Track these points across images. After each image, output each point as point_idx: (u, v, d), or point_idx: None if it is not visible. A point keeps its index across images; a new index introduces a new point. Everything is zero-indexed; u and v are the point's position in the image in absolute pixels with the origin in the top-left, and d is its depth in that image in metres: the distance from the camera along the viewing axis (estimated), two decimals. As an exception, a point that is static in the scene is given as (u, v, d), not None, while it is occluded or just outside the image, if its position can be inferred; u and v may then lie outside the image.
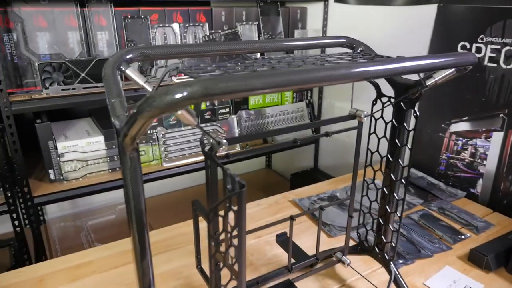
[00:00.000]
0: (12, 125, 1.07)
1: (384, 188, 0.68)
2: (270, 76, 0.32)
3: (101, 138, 1.27)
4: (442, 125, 1.20)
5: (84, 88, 1.15)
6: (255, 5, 1.48)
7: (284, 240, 0.67)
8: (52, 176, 1.22)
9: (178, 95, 0.30)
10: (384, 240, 0.69)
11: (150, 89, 0.48)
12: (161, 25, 1.30)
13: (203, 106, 1.44)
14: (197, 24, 1.36)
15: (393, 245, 0.67)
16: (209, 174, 0.47)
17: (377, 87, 0.63)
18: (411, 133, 0.61)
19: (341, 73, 0.37)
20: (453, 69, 0.51)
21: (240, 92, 0.31)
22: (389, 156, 0.65)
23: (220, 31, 1.41)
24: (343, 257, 0.69)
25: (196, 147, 1.42)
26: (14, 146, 1.09)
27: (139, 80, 0.48)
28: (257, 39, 1.49)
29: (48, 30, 1.14)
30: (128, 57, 0.48)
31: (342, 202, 1.06)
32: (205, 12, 1.38)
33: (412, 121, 0.61)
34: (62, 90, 1.12)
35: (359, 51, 0.64)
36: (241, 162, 1.97)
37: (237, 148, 1.50)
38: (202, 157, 1.51)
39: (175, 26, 1.32)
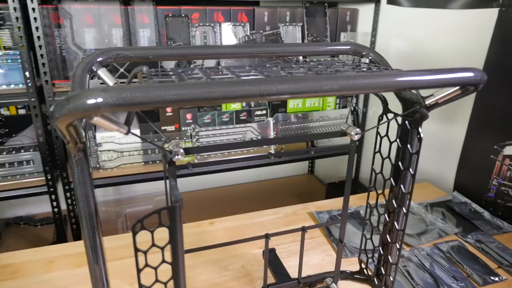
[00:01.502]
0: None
1: (386, 215, 0.61)
2: (186, 87, 0.29)
3: (137, 132, 1.32)
4: (495, 147, 1.06)
5: (121, 82, 1.20)
6: (301, 5, 1.43)
7: (270, 257, 0.63)
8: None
9: (78, 104, 0.29)
10: (383, 271, 0.62)
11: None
12: (201, 24, 1.31)
13: (239, 106, 1.43)
14: (238, 24, 1.35)
15: (391, 279, 0.60)
16: (166, 183, 0.46)
17: (384, 101, 0.56)
18: (416, 157, 0.54)
19: (289, 87, 0.33)
20: (457, 87, 0.43)
21: (146, 104, 0.29)
22: (391, 179, 0.58)
23: (261, 31, 1.39)
24: (332, 284, 0.63)
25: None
26: (56, 133, 1.17)
27: (109, 81, 0.48)
28: (300, 41, 1.44)
29: (94, 26, 1.21)
30: (101, 58, 0.48)
31: (361, 221, 0.98)
32: (247, 12, 1.36)
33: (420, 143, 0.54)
34: (101, 83, 1.18)
35: (367, 60, 0.58)
36: (281, 166, 1.94)
37: (272, 151, 1.47)
38: (234, 157, 1.51)
39: (225, 26, 1.33)
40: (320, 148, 1.54)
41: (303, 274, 0.68)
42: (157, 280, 0.39)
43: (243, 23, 1.36)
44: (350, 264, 0.81)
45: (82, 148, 0.39)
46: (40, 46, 1.07)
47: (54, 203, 1.26)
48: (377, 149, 0.59)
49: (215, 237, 0.93)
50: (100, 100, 0.29)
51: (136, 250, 0.36)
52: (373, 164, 0.62)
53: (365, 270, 0.67)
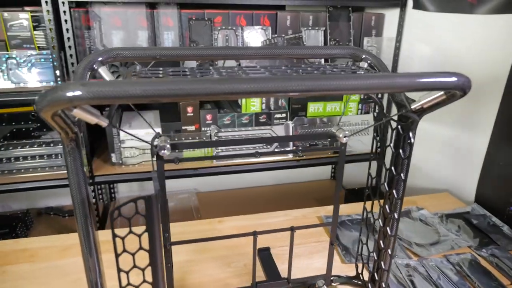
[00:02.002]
0: (81, 111, 1.22)
1: (380, 221, 0.60)
2: (155, 84, 0.31)
3: (158, 130, 1.37)
4: (519, 158, 1.01)
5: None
6: (324, 9, 1.43)
7: (264, 256, 0.64)
8: (113, 159, 1.36)
9: (53, 97, 0.31)
10: (376, 277, 0.61)
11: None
12: (223, 27, 1.34)
13: (258, 109, 1.45)
14: (260, 27, 1.37)
15: (383, 285, 0.59)
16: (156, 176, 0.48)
17: (379, 105, 0.56)
18: (407, 162, 0.53)
19: (251, 86, 0.34)
20: (441, 92, 0.43)
21: (114, 98, 0.31)
22: (385, 184, 0.58)
23: (283, 35, 1.40)
24: (324, 286, 0.63)
25: (247, 148, 1.43)
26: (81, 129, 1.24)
27: (107, 79, 0.51)
28: (321, 44, 1.44)
29: (121, 29, 1.27)
30: (102, 57, 0.51)
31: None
32: (269, 16, 1.38)
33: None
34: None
35: (366, 65, 0.58)
36: (303, 170, 1.93)
37: (290, 155, 1.47)
38: (253, 159, 1.53)
39: (247, 29, 1.35)
40: (352, 152, 1.51)
41: (304, 276, 0.68)
42: (134, 266, 0.41)
43: (265, 26, 1.38)
44: (353, 269, 0.80)
45: (74, 138, 0.42)
46: (69, 47, 1.14)
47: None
48: (377, 154, 0.59)
49: (221, 234, 0.95)
50: (74, 93, 0.32)
51: (114, 235, 0.39)
52: (369, 168, 0.61)
53: (361, 276, 0.66)
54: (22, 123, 1.25)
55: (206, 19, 1.32)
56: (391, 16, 1.45)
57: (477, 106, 1.12)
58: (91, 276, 0.47)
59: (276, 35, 1.39)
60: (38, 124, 1.26)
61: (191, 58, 0.55)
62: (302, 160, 1.49)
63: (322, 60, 1.43)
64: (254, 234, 0.56)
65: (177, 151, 0.50)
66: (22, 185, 1.25)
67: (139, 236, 0.40)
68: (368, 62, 0.59)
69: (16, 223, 1.46)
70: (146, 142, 0.46)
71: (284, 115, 1.47)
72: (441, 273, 0.82)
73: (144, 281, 0.42)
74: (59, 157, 1.28)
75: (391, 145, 0.55)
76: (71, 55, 1.15)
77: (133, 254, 0.41)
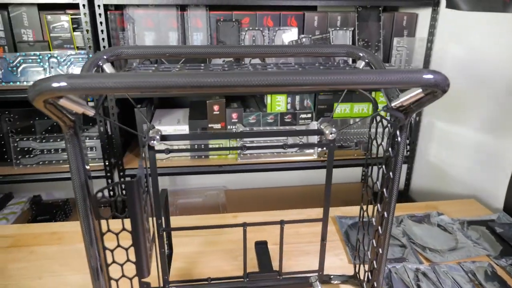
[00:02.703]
0: (113, 107, 1.30)
1: (374, 220, 0.60)
2: (130, 77, 0.35)
3: (186, 127, 1.42)
4: (552, 165, 0.94)
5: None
6: (353, 9, 1.41)
7: (260, 249, 0.65)
8: (143, 155, 1.43)
9: (40, 87, 0.35)
10: (370, 278, 0.61)
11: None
12: (250, 28, 1.37)
13: (283, 109, 1.46)
14: (286, 28, 1.38)
15: (375, 285, 0.59)
16: (146, 165, 0.51)
17: (373, 103, 0.56)
18: (394, 161, 0.53)
19: (215, 80, 0.36)
20: (419, 90, 0.42)
21: (92, 89, 0.35)
22: (377, 183, 0.57)
23: (310, 36, 1.40)
24: (316, 282, 0.64)
25: (272, 147, 1.45)
26: (114, 125, 1.32)
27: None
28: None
29: (153, 30, 1.34)
30: (106, 55, 0.55)
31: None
32: (296, 16, 1.39)
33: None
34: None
35: (363, 64, 0.58)
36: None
37: (315, 156, 1.47)
38: (277, 158, 1.54)
39: (273, 30, 1.37)
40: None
41: (295, 271, 0.69)
42: (118, 245, 0.45)
43: (292, 27, 1.39)
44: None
45: (72, 126, 0.46)
46: (104, 47, 1.22)
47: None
48: (370, 153, 0.58)
49: (232, 229, 0.98)
50: (58, 84, 0.35)
51: (99, 217, 0.43)
52: (366, 167, 0.61)
53: (358, 275, 0.66)
54: (62, 117, 1.35)
55: (233, 20, 1.36)
56: (423, 16, 1.41)
57: (507, 110, 1.06)
58: (92, 263, 0.50)
59: (303, 36, 1.40)
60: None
61: (190, 55, 0.58)
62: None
63: (350, 60, 1.41)
64: (244, 225, 0.58)
65: (166, 142, 0.53)
66: (62, 175, 1.35)
67: (122, 218, 0.44)
68: (366, 61, 0.59)
69: (56, 211, 1.58)
70: (136, 133, 0.50)
71: (309, 115, 1.47)
72: (453, 281, 0.79)
73: (128, 260, 0.45)
74: (94, 150, 1.37)
75: (383, 143, 0.55)
76: (105, 55, 1.23)
77: (116, 234, 0.44)
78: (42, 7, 1.26)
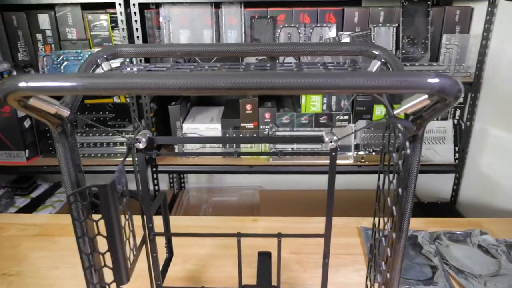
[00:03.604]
0: (147, 104, 1.32)
1: (384, 240, 0.53)
2: (98, 77, 0.33)
3: (218, 126, 1.41)
4: None
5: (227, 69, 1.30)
6: (398, 4, 1.31)
7: (262, 260, 0.61)
8: (176, 151, 1.44)
9: (3, 88, 0.35)
10: (378, 303, 0.54)
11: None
12: (286, 25, 1.32)
13: (319, 109, 1.40)
14: (324, 25, 1.32)
15: (382, 313, 0.52)
16: (135, 168, 0.50)
17: (388, 106, 0.49)
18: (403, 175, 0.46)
19: (192, 82, 0.33)
20: (425, 96, 0.36)
21: (51, 90, 0.33)
22: (388, 199, 0.51)
23: (350, 32, 1.32)
24: (318, 302, 0.58)
25: (305, 149, 1.40)
26: (147, 121, 1.34)
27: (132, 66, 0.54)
28: (393, 44, 1.32)
29: (188, 28, 1.34)
30: (105, 54, 0.54)
31: (413, 247, 0.86)
32: (335, 12, 1.32)
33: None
34: (206, 70, 1.31)
35: (378, 63, 0.52)
36: (371, 176, 1.81)
37: (351, 160, 1.40)
38: (311, 161, 1.48)
39: (310, 27, 1.32)
40: (423, 162, 1.37)
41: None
42: (94, 250, 0.43)
43: (330, 24, 1.32)
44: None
45: (60, 124, 0.45)
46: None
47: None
48: (382, 164, 0.52)
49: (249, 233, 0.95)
50: (19, 84, 0.34)
51: (74, 218, 0.41)
52: (378, 180, 0.55)
53: (369, 298, 0.59)
54: (101, 112, 1.40)
55: (268, 17, 1.32)
56: (479, 10, 1.27)
57: None
58: (84, 263, 0.48)
59: (341, 33, 1.32)
60: (113, 115, 1.41)
61: (189, 54, 0.56)
62: (364, 166, 1.40)
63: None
64: (238, 235, 0.55)
65: (155, 145, 0.51)
66: (102, 168, 1.41)
67: (96, 222, 0.43)
68: (382, 60, 0.52)
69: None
70: (122, 136, 0.48)
71: (346, 117, 1.39)
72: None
73: (105, 265, 0.44)
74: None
75: (393, 155, 0.49)
76: (139, 53, 1.25)
77: (92, 238, 0.43)
78: (85, 6, 1.32)
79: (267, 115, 1.40)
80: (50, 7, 1.32)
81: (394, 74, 0.34)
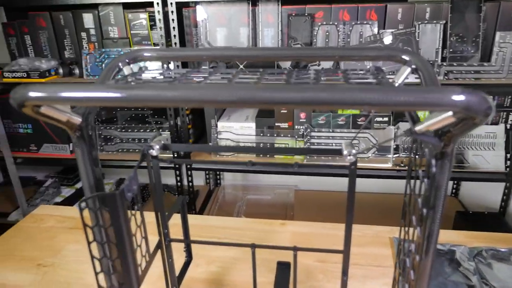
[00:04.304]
0: (183, 102, 1.34)
1: (408, 260, 0.49)
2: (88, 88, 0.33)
3: (252, 125, 1.40)
4: None
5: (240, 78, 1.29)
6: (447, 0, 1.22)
7: (280, 271, 0.59)
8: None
9: (14, 97, 0.35)
10: (401, 327, 0.51)
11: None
12: (324, 23, 1.28)
13: (357, 111, 1.34)
14: (364, 22, 1.26)
15: None
16: (152, 174, 0.50)
17: (413, 118, 0.46)
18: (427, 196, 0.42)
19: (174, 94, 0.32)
20: (449, 113, 0.32)
21: (52, 99, 0.33)
22: (413, 218, 0.47)
23: (393, 30, 1.25)
24: (336, 321, 0.55)
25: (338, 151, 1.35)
26: (182, 118, 1.36)
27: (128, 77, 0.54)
28: (439, 42, 1.24)
29: (225, 26, 1.34)
30: (127, 58, 0.55)
31: (449, 262, 0.80)
32: (377, 9, 1.25)
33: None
34: (221, 78, 1.30)
35: (408, 70, 0.48)
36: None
37: (389, 164, 1.33)
38: (344, 163, 1.42)
39: (350, 24, 1.27)
40: (471, 169, 1.28)
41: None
42: (104, 256, 0.44)
43: (371, 21, 1.26)
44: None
45: (78, 128, 0.46)
46: (175, 43, 1.26)
47: (178, 178, 1.47)
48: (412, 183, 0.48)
49: (276, 238, 0.93)
50: (31, 94, 0.35)
51: (84, 225, 0.42)
52: (405, 196, 0.51)
53: (393, 319, 0.55)
54: (139, 109, 1.44)
55: (306, 14, 1.28)
56: (539, 4, 1.15)
57: None
58: (95, 267, 0.49)
59: (383, 31, 1.26)
60: (151, 111, 1.44)
61: (212, 59, 0.55)
62: (405, 170, 1.33)
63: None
64: (252, 246, 0.53)
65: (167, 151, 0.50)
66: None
67: (106, 229, 0.43)
68: (412, 66, 0.48)
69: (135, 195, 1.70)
70: (137, 144, 0.48)
71: (386, 118, 1.33)
72: None
73: (115, 271, 0.44)
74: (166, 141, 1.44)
75: (420, 171, 0.45)
76: (176, 51, 1.26)
77: (102, 244, 0.44)
78: (126, 5, 1.35)
79: (303, 115, 1.37)
80: (94, 6, 1.37)
81: (412, 90, 0.31)
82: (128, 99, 0.33)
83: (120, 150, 1.48)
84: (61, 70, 1.40)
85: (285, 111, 1.37)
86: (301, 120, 1.37)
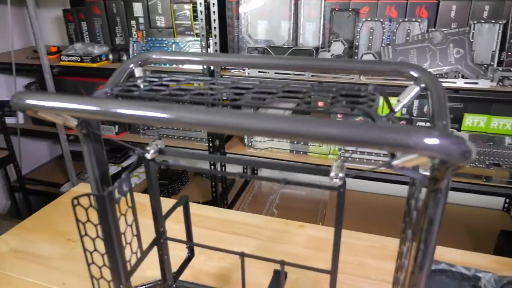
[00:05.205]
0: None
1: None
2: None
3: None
4: None
5: (275, 73, 1.28)
6: (510, -3, 1.10)
7: (276, 278, 0.59)
8: (245, 142, 1.46)
9: (14, 103, 0.38)
10: None
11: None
12: (369, 19, 1.22)
13: (397, 113, 1.27)
14: (413, 19, 1.18)
15: None
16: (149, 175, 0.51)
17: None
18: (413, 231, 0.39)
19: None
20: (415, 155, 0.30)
21: (44, 109, 0.36)
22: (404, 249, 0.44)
23: (444, 29, 1.16)
24: (323, 338, 0.54)
25: (376, 155, 1.30)
26: (219, 110, 1.38)
27: (139, 80, 0.56)
28: (496, 44, 1.12)
29: (266, 19, 1.32)
30: (139, 60, 0.57)
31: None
32: (428, 5, 1.16)
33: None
34: (258, 72, 1.30)
35: (417, 89, 0.44)
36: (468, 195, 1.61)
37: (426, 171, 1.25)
38: (382, 168, 1.35)
39: (396, 21, 1.19)
40: None
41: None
42: (95, 249, 0.47)
43: (421, 18, 1.18)
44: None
45: (84, 126, 0.49)
46: (215, 35, 1.27)
47: (212, 167, 1.50)
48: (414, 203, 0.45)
49: (290, 240, 0.92)
50: (27, 101, 0.38)
51: (77, 220, 0.45)
52: (404, 217, 0.48)
53: None
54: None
55: (350, 9, 1.23)
56: None
57: None
58: (88, 259, 0.51)
59: (433, 29, 1.17)
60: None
61: (220, 64, 0.55)
62: (455, 182, 1.24)
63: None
64: (241, 255, 0.53)
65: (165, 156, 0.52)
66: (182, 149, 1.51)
67: (95, 225, 0.45)
68: (421, 85, 0.45)
69: (174, 178, 1.77)
70: (131, 147, 0.49)
71: (429, 123, 1.24)
72: None
73: (104, 265, 0.47)
74: (202, 131, 1.47)
75: (412, 202, 0.41)
76: (215, 43, 1.28)
77: (93, 239, 0.46)
78: (174, -4, 1.39)
79: (340, 115, 1.32)
80: (143, -4, 1.42)
81: (377, 127, 0.29)
82: (106, 113, 0.35)
83: (161, 136, 1.54)
84: (111, 56, 1.48)
85: (322, 109, 1.33)
86: (338, 119, 1.33)
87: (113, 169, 1.85)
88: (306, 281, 0.80)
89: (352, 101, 0.41)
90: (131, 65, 0.55)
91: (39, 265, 0.80)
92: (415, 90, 0.46)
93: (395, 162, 0.34)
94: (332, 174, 0.43)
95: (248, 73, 1.30)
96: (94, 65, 1.45)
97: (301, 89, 0.44)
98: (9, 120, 1.70)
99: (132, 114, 0.34)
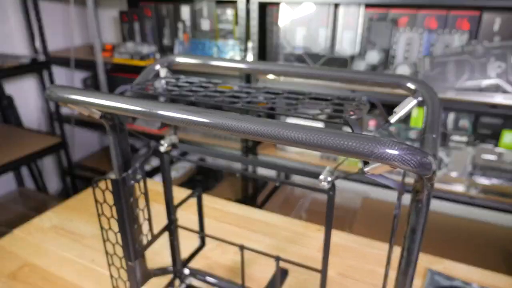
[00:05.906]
0: (255, 96, 1.41)
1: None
2: None
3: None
4: None
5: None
6: (560, 12, 1.05)
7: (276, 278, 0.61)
8: (277, 145, 1.50)
9: (47, 95, 0.45)
10: None
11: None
12: (407, 30, 1.21)
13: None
14: (453, 31, 1.15)
15: None
16: (164, 167, 0.57)
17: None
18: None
19: None
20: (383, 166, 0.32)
21: (68, 101, 0.42)
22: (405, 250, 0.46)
23: (488, 43, 1.12)
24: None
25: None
26: (253, 112, 1.43)
27: (163, 80, 0.62)
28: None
29: (304, 26, 1.35)
30: (165, 62, 0.63)
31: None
32: (470, 17, 1.13)
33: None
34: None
35: (415, 102, 0.46)
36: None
37: (462, 187, 1.22)
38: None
39: (435, 33, 1.18)
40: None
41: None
42: (110, 228, 0.53)
43: (462, 31, 1.15)
44: None
45: (110, 118, 0.55)
46: (253, 40, 1.32)
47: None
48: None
49: (305, 242, 0.95)
50: (50, 93, 0.44)
51: (96, 201, 0.51)
52: (392, 228, 0.49)
53: None
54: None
55: (387, 19, 1.22)
56: None
57: None
58: (103, 236, 0.58)
59: (475, 42, 1.14)
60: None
61: (241, 71, 0.59)
62: (478, 198, 1.21)
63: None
64: (241, 247, 0.57)
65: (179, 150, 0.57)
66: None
67: (110, 207, 0.51)
68: (419, 99, 0.47)
69: (209, 175, 1.85)
70: (144, 138, 0.55)
71: (464, 138, 1.21)
72: None
73: (117, 242, 0.53)
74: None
75: (397, 211, 0.43)
76: (253, 48, 1.33)
77: (108, 218, 0.52)
78: (219, 1, 1.45)
79: (372, 122, 1.32)
80: (189, 0, 1.50)
81: (343, 135, 0.32)
82: (118, 109, 0.40)
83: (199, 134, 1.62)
84: (158, 55, 1.58)
85: (354, 116, 1.34)
86: (369, 128, 1.33)
87: (157, 163, 1.96)
88: (314, 282, 0.83)
89: (338, 109, 0.43)
90: (157, 66, 0.61)
91: (73, 241, 0.90)
92: (412, 102, 0.48)
93: (366, 169, 0.37)
94: (321, 177, 0.46)
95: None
96: (143, 63, 1.56)
97: (298, 96, 0.47)
98: (65, 110, 1.86)
99: (138, 110, 0.39)
